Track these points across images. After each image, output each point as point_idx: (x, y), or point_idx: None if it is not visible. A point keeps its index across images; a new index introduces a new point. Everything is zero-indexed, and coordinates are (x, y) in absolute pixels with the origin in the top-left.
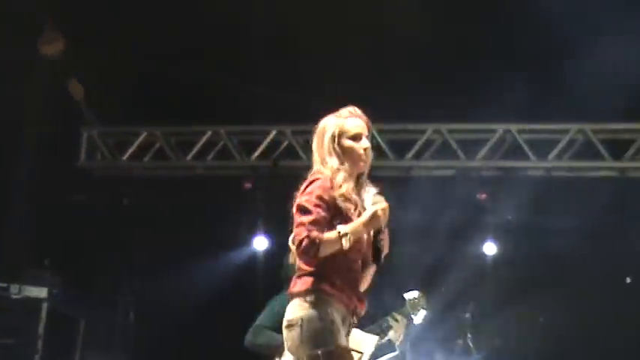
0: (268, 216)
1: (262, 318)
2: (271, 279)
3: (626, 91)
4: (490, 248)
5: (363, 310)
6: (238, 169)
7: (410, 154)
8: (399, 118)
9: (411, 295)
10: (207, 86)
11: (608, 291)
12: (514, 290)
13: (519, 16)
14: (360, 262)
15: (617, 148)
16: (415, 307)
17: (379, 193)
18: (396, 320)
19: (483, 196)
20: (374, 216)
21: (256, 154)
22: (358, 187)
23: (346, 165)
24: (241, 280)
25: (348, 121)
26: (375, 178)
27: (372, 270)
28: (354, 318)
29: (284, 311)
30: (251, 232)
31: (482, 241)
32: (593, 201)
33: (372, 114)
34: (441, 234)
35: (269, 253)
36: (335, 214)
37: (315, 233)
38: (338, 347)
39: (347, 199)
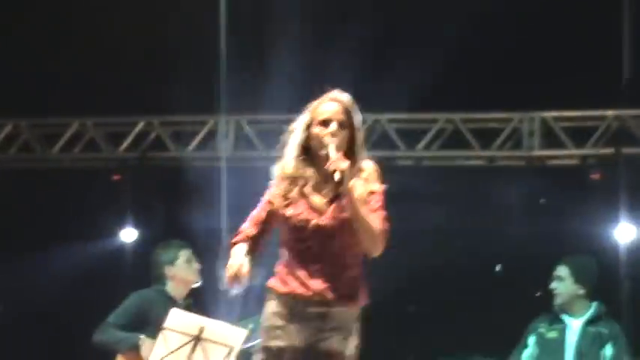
0: (137, 208)
1: (113, 315)
2: (139, 271)
3: (489, 80)
4: None
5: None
6: (106, 161)
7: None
8: None
9: None
10: (72, 77)
11: (476, 280)
12: None
13: None
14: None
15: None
16: None
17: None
18: None
19: None
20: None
21: (124, 145)
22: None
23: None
24: (108, 272)
25: (320, 106)
26: None
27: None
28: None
29: (143, 310)
30: (119, 225)
31: None
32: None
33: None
34: None
35: (138, 245)
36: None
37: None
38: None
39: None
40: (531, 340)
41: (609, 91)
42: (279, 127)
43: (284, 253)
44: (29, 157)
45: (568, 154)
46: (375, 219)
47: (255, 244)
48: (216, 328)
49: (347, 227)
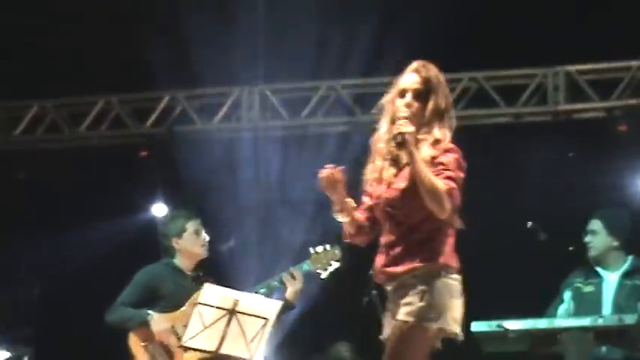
0: (166, 183)
1: (123, 294)
2: None
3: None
4: None
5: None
6: (133, 137)
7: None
8: None
9: (317, 249)
10: (95, 55)
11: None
12: None
13: None
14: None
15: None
16: (319, 262)
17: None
18: (293, 277)
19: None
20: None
21: (150, 121)
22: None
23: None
24: (141, 247)
25: (401, 79)
26: None
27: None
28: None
29: (153, 285)
30: (149, 200)
31: None
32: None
33: None
34: None
35: None
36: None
37: None
38: None
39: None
40: (567, 295)
41: (633, 42)
42: (305, 95)
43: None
44: (57, 137)
45: (594, 107)
46: (439, 180)
47: (360, 226)
48: (250, 301)
49: (409, 195)
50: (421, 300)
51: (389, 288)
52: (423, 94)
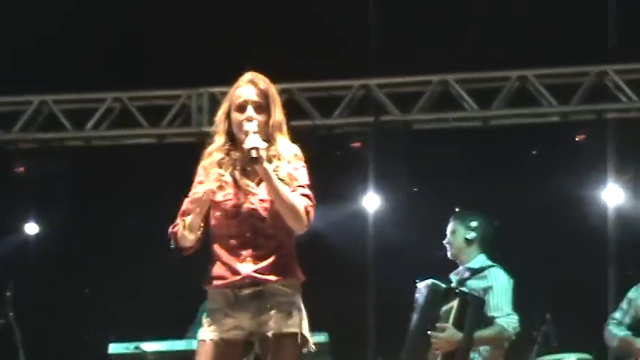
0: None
1: None
2: None
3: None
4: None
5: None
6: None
7: None
8: None
9: None
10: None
11: None
12: None
13: None
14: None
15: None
16: None
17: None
18: None
19: None
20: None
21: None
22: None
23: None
24: None
25: (236, 91)
26: None
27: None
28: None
29: None
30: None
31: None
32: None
33: None
34: None
35: None
36: None
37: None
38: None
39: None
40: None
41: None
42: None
43: (214, 245)
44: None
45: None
46: (298, 198)
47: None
48: None
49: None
50: (299, 312)
51: (244, 292)
52: (263, 107)
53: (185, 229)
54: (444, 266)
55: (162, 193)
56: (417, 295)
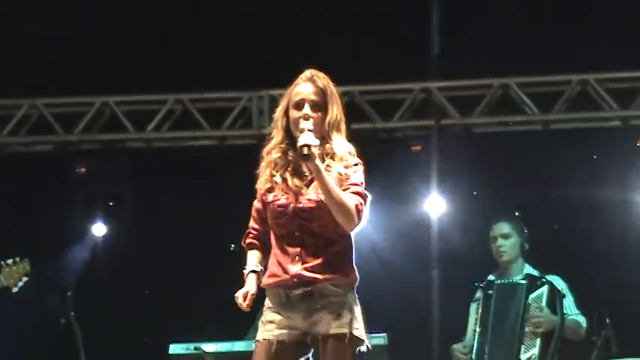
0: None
1: None
2: None
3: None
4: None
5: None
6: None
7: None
8: None
9: (9, 261)
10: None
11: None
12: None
13: None
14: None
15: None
16: (11, 277)
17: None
18: None
19: None
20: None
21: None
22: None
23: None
24: None
25: (295, 89)
26: None
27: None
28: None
29: None
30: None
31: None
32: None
33: None
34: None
35: None
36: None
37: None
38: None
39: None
40: None
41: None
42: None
43: (271, 244)
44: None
45: None
46: (349, 196)
47: (263, 242)
48: None
49: (325, 207)
50: (350, 313)
51: (295, 293)
52: (321, 105)
53: None
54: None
55: (223, 195)
56: (478, 294)
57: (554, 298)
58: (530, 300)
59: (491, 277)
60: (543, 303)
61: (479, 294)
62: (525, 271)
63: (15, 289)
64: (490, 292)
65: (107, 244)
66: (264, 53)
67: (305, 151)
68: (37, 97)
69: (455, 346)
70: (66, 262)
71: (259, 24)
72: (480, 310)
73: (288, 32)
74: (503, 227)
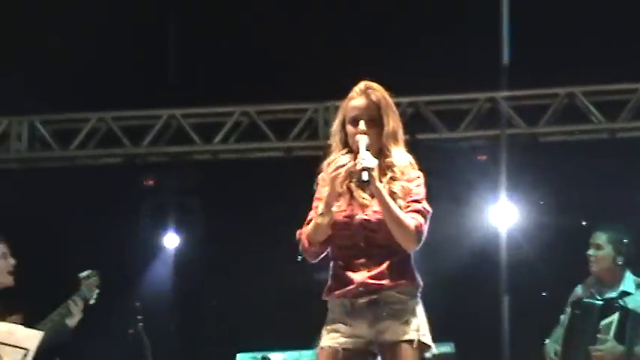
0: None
1: None
2: None
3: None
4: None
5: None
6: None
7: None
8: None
9: (85, 274)
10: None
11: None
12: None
13: None
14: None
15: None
16: (90, 288)
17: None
18: (76, 304)
19: None
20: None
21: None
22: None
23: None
24: None
25: (350, 103)
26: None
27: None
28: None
29: None
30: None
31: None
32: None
33: None
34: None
35: None
36: None
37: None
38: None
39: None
40: None
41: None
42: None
43: (332, 256)
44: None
45: None
46: (409, 215)
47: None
48: (8, 331)
49: None
50: (416, 319)
51: (360, 301)
52: (376, 118)
53: (319, 220)
54: (568, 277)
55: (290, 206)
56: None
57: (625, 327)
58: (601, 326)
59: (578, 288)
60: (612, 332)
61: (568, 307)
62: (622, 288)
63: (92, 301)
64: (576, 310)
65: (177, 255)
66: (330, 64)
67: (364, 176)
68: (105, 111)
69: (549, 343)
70: (136, 272)
71: (324, 35)
72: (566, 323)
73: (354, 43)
74: (598, 237)
